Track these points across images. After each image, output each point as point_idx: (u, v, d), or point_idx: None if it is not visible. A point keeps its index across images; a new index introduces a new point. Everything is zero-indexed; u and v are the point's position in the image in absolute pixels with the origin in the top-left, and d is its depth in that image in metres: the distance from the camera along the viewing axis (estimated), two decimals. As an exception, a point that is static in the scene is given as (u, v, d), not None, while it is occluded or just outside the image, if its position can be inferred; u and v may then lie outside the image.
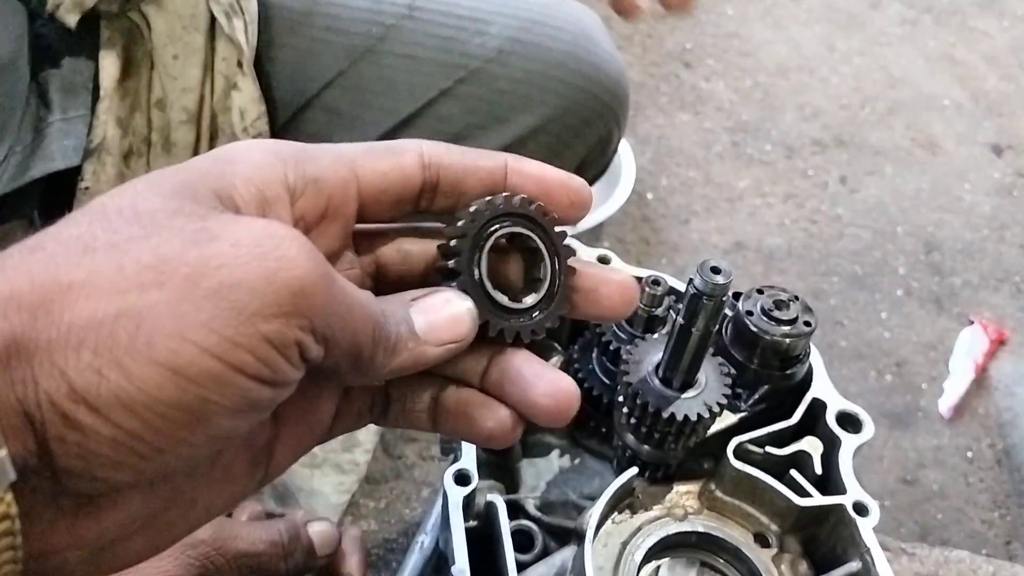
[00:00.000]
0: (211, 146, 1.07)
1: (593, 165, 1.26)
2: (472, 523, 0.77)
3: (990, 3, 3.35)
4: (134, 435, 0.37)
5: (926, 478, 1.86)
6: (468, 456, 0.77)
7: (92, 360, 0.36)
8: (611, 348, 0.85)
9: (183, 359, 0.37)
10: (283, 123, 1.13)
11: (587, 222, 1.92)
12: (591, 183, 1.20)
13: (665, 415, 0.75)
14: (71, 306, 0.37)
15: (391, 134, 1.12)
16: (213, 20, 1.04)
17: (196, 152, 1.05)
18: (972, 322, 2.20)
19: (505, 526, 0.73)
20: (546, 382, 0.50)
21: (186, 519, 0.46)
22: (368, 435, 1.20)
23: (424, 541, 0.94)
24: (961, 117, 2.87)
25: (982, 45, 3.18)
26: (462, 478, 0.75)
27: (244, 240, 0.40)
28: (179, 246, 0.39)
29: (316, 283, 0.40)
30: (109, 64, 1.00)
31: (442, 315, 0.48)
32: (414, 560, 0.94)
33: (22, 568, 0.38)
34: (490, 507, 0.75)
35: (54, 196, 1.00)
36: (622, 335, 0.85)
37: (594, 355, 0.89)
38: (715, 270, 0.67)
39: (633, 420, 0.78)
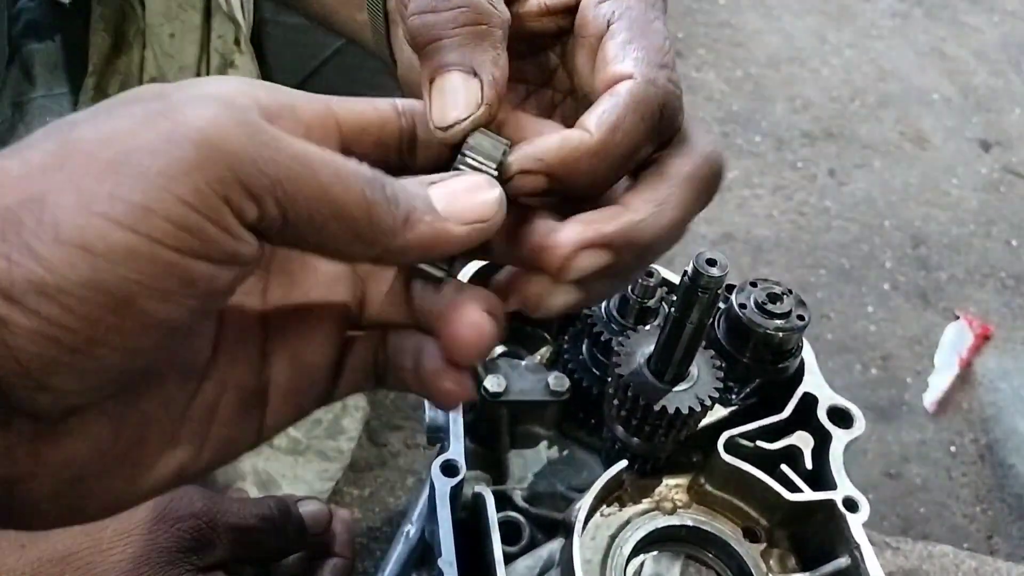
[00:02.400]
0: None
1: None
2: (459, 514, 0.76)
3: (981, -2, 3.36)
4: (56, 323, 0.34)
5: (909, 472, 1.87)
6: (456, 447, 0.76)
7: (0, 248, 0.34)
8: (602, 339, 0.84)
9: (91, 233, 0.34)
10: None
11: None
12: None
13: (656, 408, 0.74)
14: None
15: None
16: None
17: None
18: (957, 317, 2.21)
19: (493, 518, 0.72)
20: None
21: (169, 460, 0.43)
22: (353, 422, 1.19)
23: (410, 531, 0.94)
24: (950, 112, 2.87)
25: (972, 40, 3.18)
26: (449, 469, 0.74)
27: (144, 110, 0.37)
28: (84, 131, 0.37)
29: (226, 131, 0.36)
30: (99, 41, 0.98)
31: (464, 194, 0.45)
32: (399, 550, 0.93)
33: None
34: (478, 499, 0.74)
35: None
36: (613, 326, 0.84)
37: (584, 346, 0.88)
38: (711, 262, 0.66)
39: (624, 412, 0.77)
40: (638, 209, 0.48)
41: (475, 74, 0.49)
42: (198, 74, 1.04)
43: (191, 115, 0.36)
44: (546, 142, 0.48)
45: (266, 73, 1.10)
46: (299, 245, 0.40)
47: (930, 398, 2.03)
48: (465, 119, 0.48)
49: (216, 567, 0.72)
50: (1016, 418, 1.93)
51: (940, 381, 2.05)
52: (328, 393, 0.49)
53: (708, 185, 0.51)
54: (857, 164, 2.63)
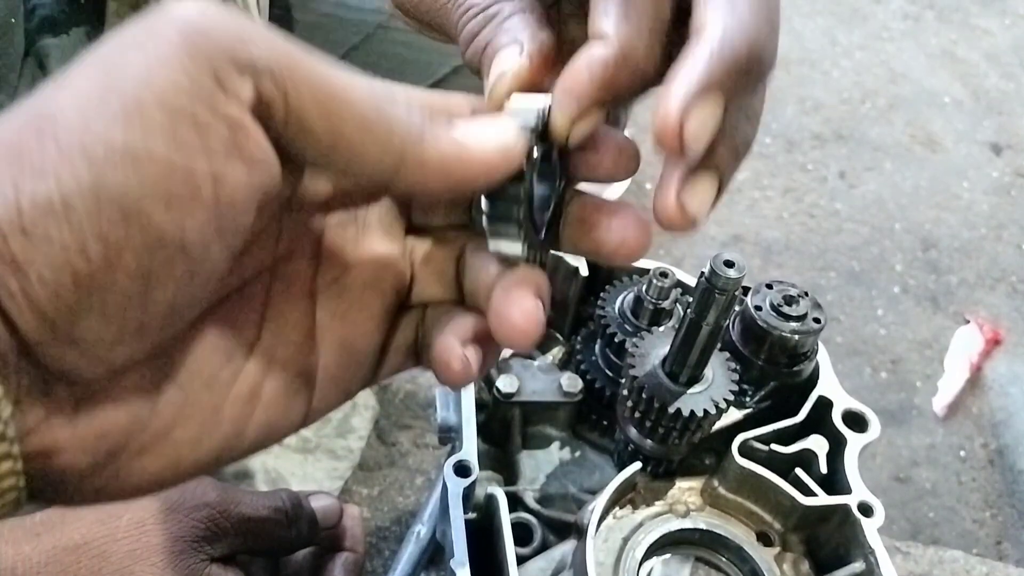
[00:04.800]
0: None
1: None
2: (471, 515, 0.75)
3: (992, 1, 3.34)
4: (69, 247, 0.33)
5: (919, 476, 1.86)
6: (468, 446, 0.75)
7: (5, 172, 0.33)
8: (615, 340, 0.84)
9: (88, 137, 0.33)
10: None
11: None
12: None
13: (671, 410, 0.73)
14: None
15: None
16: None
17: None
18: (968, 321, 2.20)
19: (506, 519, 0.71)
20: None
21: (210, 441, 0.42)
22: (362, 421, 1.19)
23: (420, 531, 0.93)
24: (961, 115, 2.86)
25: (983, 43, 3.17)
26: (462, 469, 0.74)
27: (135, 23, 0.36)
28: (85, 57, 0.36)
29: (213, 16, 0.35)
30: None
31: (483, 125, 0.43)
32: (410, 550, 0.92)
33: (22, 467, 0.36)
34: (490, 499, 0.74)
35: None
36: (627, 327, 0.84)
37: (597, 347, 0.87)
38: (728, 264, 0.66)
39: (637, 414, 0.76)
40: (714, 23, 0.43)
41: (517, 41, 0.50)
42: None
43: (177, 9, 0.36)
44: (573, 75, 0.45)
45: None
46: (308, 148, 0.38)
47: (940, 402, 2.02)
48: (507, 73, 0.48)
49: (228, 558, 0.72)
50: (1026, 423, 1.92)
51: (950, 385, 2.04)
52: (373, 375, 0.49)
53: None
54: (867, 166, 2.62)
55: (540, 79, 0.49)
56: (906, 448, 1.91)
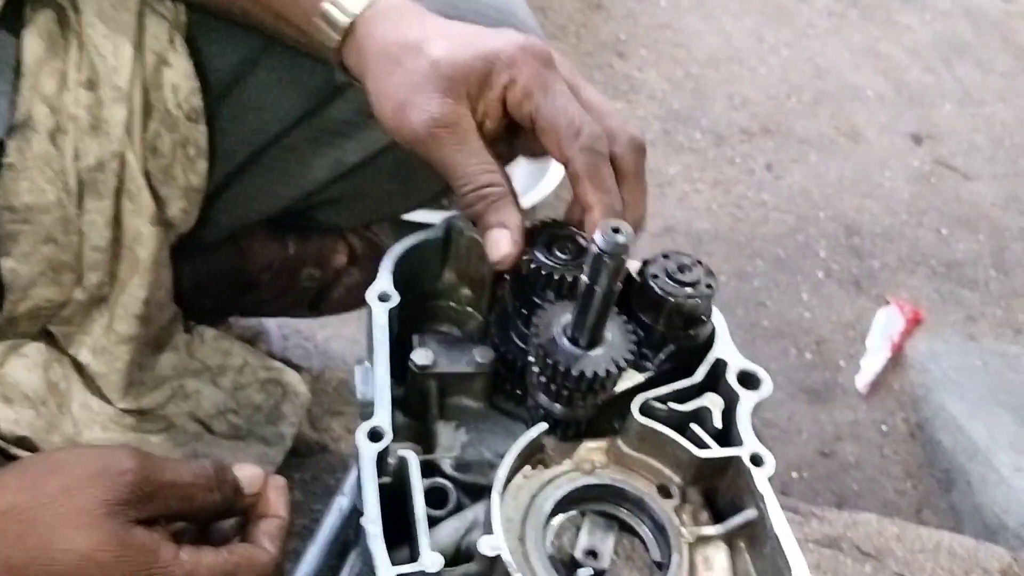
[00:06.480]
0: (143, 123, 1.08)
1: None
2: (385, 479, 0.79)
3: (913, -2, 3.47)
4: None
5: (843, 450, 1.94)
6: (382, 412, 0.79)
7: None
8: (524, 313, 0.88)
9: None
10: (219, 94, 1.13)
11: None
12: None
13: (575, 373, 0.78)
14: None
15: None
16: None
17: (128, 130, 1.06)
18: (889, 303, 2.29)
19: (417, 478, 0.75)
20: None
21: None
22: (293, 408, 1.21)
23: (342, 502, 0.96)
24: (883, 107, 2.97)
25: (905, 38, 3.29)
26: (375, 434, 0.77)
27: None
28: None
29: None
30: (32, 43, 0.99)
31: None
32: (331, 520, 0.95)
33: None
34: (402, 462, 0.78)
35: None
36: (536, 300, 0.88)
37: (511, 321, 0.91)
38: (615, 230, 0.71)
39: (544, 379, 0.81)
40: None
41: (505, 226, 0.83)
42: (132, 74, 1.06)
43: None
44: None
45: (201, 71, 1.12)
46: None
47: (862, 380, 2.10)
48: (508, 255, 0.83)
49: (153, 521, 0.75)
50: (945, 397, 2.01)
51: (872, 364, 2.12)
52: None
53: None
54: (793, 158, 2.71)
55: (521, 255, 0.84)
56: (830, 424, 1.99)
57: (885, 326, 2.21)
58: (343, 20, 0.91)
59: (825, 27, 3.30)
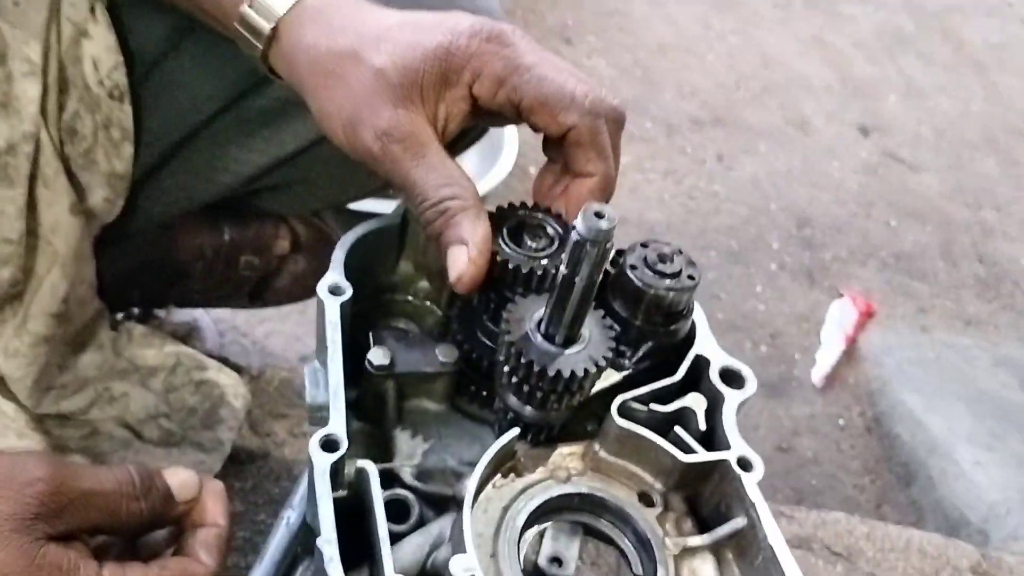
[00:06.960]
0: (60, 102, 0.97)
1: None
2: (341, 492, 0.71)
3: (856, -11, 3.48)
4: None
5: (800, 445, 1.91)
6: (336, 419, 0.71)
7: None
8: (492, 307, 0.81)
9: None
10: (144, 71, 1.04)
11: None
12: (468, 146, 1.15)
13: (551, 372, 0.71)
14: None
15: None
16: None
17: (43, 109, 0.95)
18: (842, 295, 2.27)
19: (377, 492, 0.68)
20: None
21: None
22: (231, 411, 1.13)
23: (290, 517, 0.88)
24: (830, 97, 2.96)
25: (849, 29, 3.30)
26: (329, 444, 0.69)
27: None
28: None
29: None
30: None
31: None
32: (279, 536, 0.87)
33: None
34: (360, 474, 0.70)
35: None
36: (506, 293, 0.81)
37: (475, 317, 0.84)
38: (599, 215, 0.64)
39: (515, 380, 0.74)
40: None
41: (464, 243, 0.75)
42: (47, 45, 0.95)
43: None
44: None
45: (125, 45, 1.02)
46: None
47: (818, 373, 2.08)
48: (464, 274, 0.75)
49: (70, 536, 0.66)
50: (901, 391, 1.99)
51: (827, 357, 2.10)
52: None
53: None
54: (744, 149, 2.68)
55: (484, 271, 0.76)
56: (787, 419, 1.96)
57: (839, 319, 2.19)
58: (265, 27, 0.82)
59: (771, 16, 3.29)
